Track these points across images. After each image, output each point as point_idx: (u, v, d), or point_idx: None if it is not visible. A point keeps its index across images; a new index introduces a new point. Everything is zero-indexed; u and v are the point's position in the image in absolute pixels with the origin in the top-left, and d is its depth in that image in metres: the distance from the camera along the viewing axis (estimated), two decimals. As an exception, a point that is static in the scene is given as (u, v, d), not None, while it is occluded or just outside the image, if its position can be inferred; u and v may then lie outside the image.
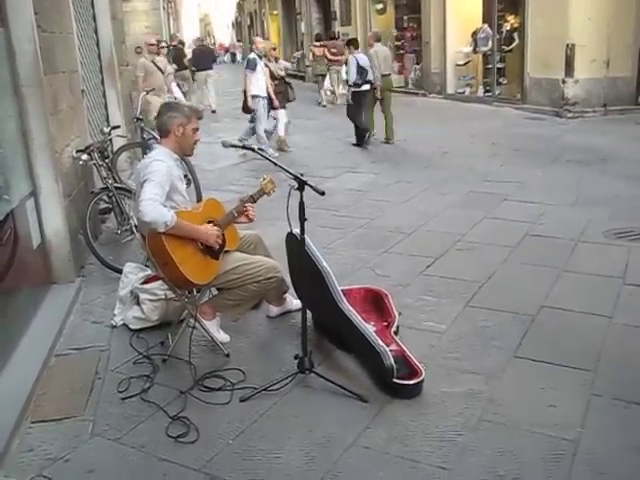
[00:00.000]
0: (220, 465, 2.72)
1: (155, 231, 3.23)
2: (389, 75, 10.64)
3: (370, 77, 10.03)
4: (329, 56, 16.75)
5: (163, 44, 11.43)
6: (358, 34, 18.98)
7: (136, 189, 3.61)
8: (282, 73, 10.45)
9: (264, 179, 3.78)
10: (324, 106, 16.45)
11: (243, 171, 8.90)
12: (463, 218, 6.04)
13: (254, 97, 9.59)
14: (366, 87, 10.09)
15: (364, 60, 10.07)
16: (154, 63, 9.88)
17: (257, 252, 3.89)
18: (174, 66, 10.86)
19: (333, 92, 17.07)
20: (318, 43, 17.74)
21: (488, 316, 3.98)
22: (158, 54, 10.21)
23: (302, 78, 24.24)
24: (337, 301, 3.52)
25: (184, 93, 10.92)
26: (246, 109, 9.90)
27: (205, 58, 16.28)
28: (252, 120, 9.86)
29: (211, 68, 16.31)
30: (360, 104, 10.18)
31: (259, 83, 9.61)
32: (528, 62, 12.83)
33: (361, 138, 10.24)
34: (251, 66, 9.62)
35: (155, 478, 2.68)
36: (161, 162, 3.45)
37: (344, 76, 11.27)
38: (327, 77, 17.17)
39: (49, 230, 4.52)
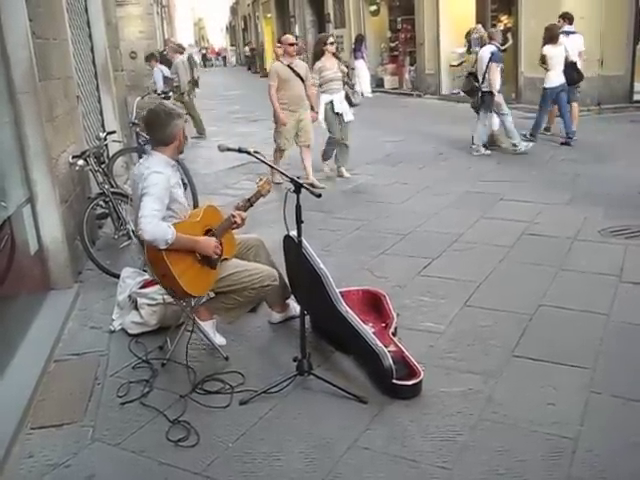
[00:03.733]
0: (220, 468, 2.72)
1: (156, 247, 3.21)
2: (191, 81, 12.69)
3: (177, 83, 11.71)
4: None
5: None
6: (352, 36, 19.11)
7: (134, 200, 3.57)
8: None
9: (260, 179, 3.75)
10: None
11: (239, 175, 8.90)
12: (460, 218, 6.05)
13: (498, 92, 8.98)
14: (171, 94, 11.54)
15: (167, 71, 11.99)
16: (291, 68, 7.77)
17: (258, 257, 3.86)
18: (344, 68, 8.22)
19: None
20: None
21: (486, 316, 3.99)
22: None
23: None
24: (335, 303, 3.52)
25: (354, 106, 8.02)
26: (479, 106, 9.18)
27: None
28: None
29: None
30: None
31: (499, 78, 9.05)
32: (522, 62, 12.86)
33: None
34: (497, 59, 8.85)
35: (156, 482, 2.68)
36: (159, 174, 3.36)
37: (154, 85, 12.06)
38: None
39: (46, 236, 4.52)
